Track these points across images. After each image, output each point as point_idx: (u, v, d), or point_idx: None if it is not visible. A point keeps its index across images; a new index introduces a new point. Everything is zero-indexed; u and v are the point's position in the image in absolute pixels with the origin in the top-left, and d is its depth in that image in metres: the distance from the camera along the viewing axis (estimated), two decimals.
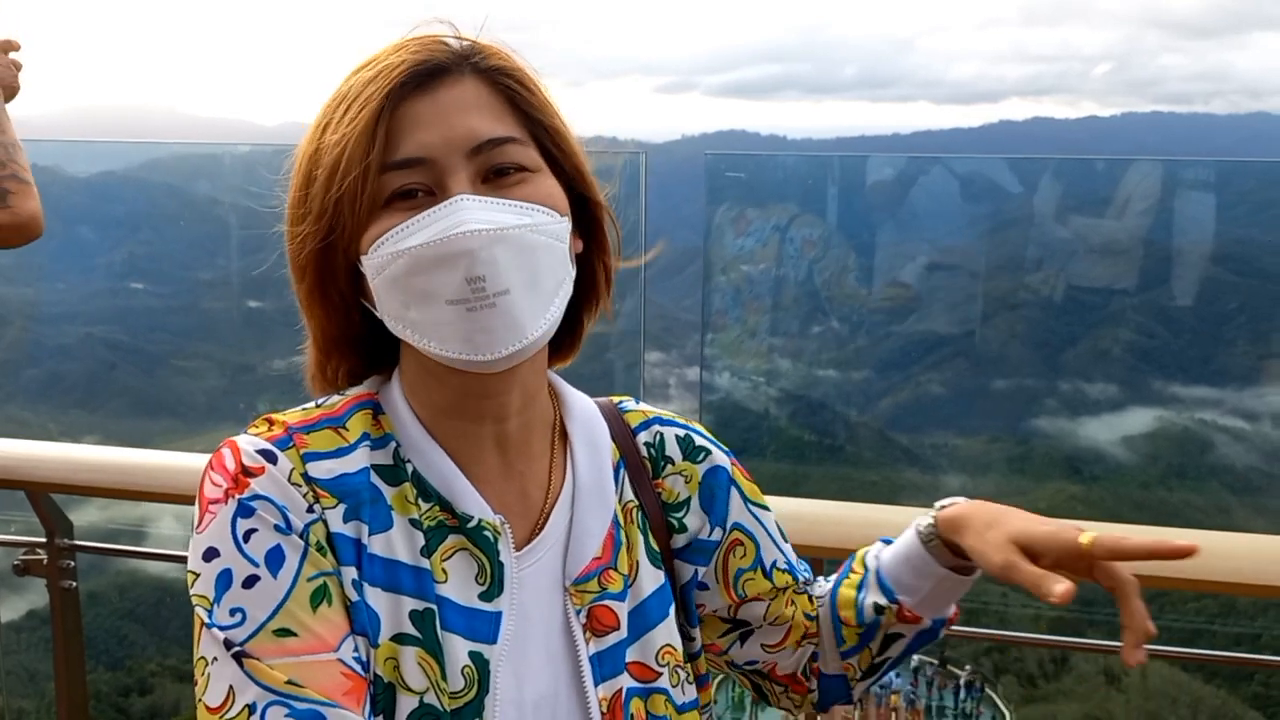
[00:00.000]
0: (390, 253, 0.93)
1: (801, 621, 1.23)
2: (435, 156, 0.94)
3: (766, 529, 1.20)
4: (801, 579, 1.24)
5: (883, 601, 1.17)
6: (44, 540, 2.50)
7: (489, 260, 0.91)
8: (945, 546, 1.14)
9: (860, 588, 1.20)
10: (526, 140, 0.99)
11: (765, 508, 1.21)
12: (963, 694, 16.06)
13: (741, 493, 1.18)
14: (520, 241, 0.93)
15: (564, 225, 0.99)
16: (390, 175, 0.94)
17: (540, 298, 0.95)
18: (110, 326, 28.77)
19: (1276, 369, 30.01)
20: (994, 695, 16.31)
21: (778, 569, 1.21)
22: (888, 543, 1.21)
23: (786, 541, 1.24)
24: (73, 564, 2.51)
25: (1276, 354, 30.06)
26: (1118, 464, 30.42)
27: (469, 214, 0.92)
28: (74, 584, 2.52)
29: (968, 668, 16.38)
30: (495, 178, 0.96)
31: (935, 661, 16.14)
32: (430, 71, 0.96)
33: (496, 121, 0.97)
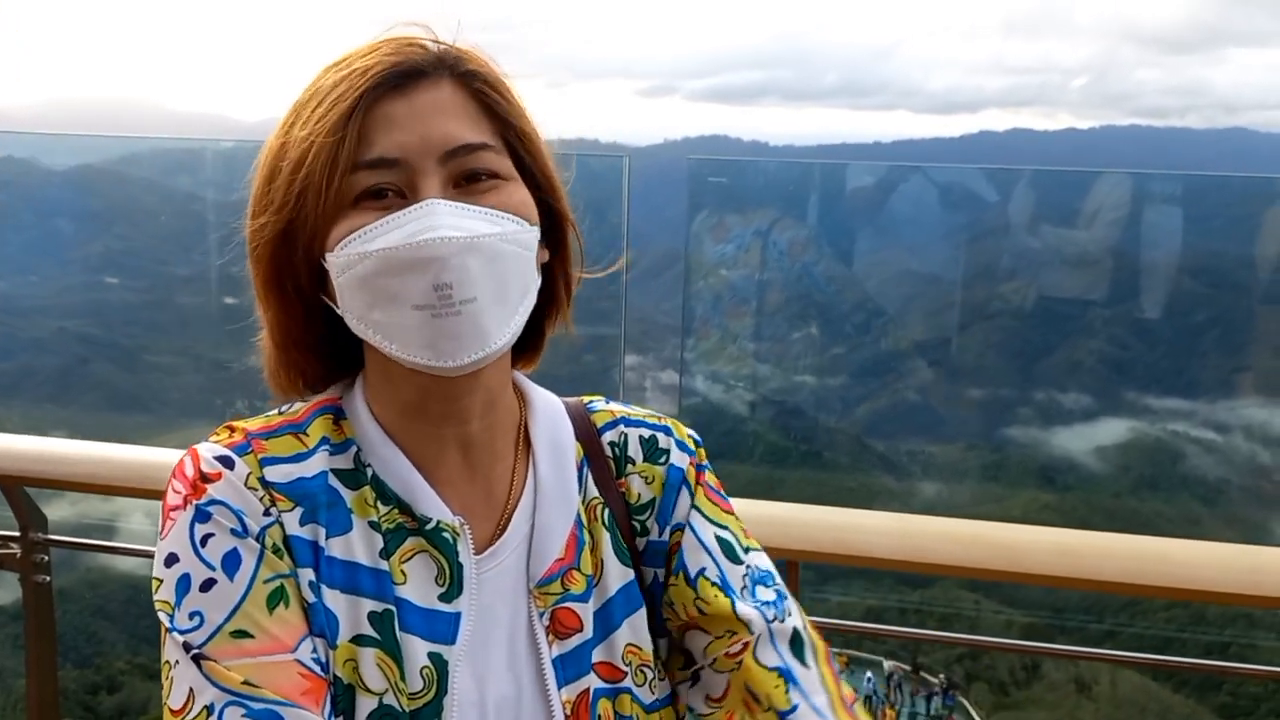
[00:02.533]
0: (357, 253, 0.93)
1: (742, 691, 1.08)
2: (408, 158, 0.94)
3: (698, 534, 1.11)
4: (743, 614, 1.08)
5: None
6: (17, 534, 2.48)
7: (459, 268, 0.91)
8: None
9: None
10: (500, 147, 0.99)
11: (712, 521, 1.13)
12: (936, 700, 16.11)
13: (691, 496, 1.13)
14: (490, 250, 0.93)
15: (533, 234, 0.99)
16: (361, 174, 0.93)
17: (506, 306, 0.96)
18: (84, 321, 28.54)
19: (1248, 381, 30.33)
20: (965, 702, 16.38)
21: (705, 578, 1.09)
22: None
23: (737, 563, 1.12)
24: (46, 559, 2.49)
25: (1248, 367, 30.37)
26: (1090, 474, 30.65)
27: (441, 219, 0.92)
28: (47, 579, 2.50)
29: (941, 675, 16.45)
30: (467, 184, 0.96)
31: (907, 667, 16.19)
32: (406, 73, 0.96)
33: (472, 127, 0.97)
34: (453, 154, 0.95)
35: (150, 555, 2.75)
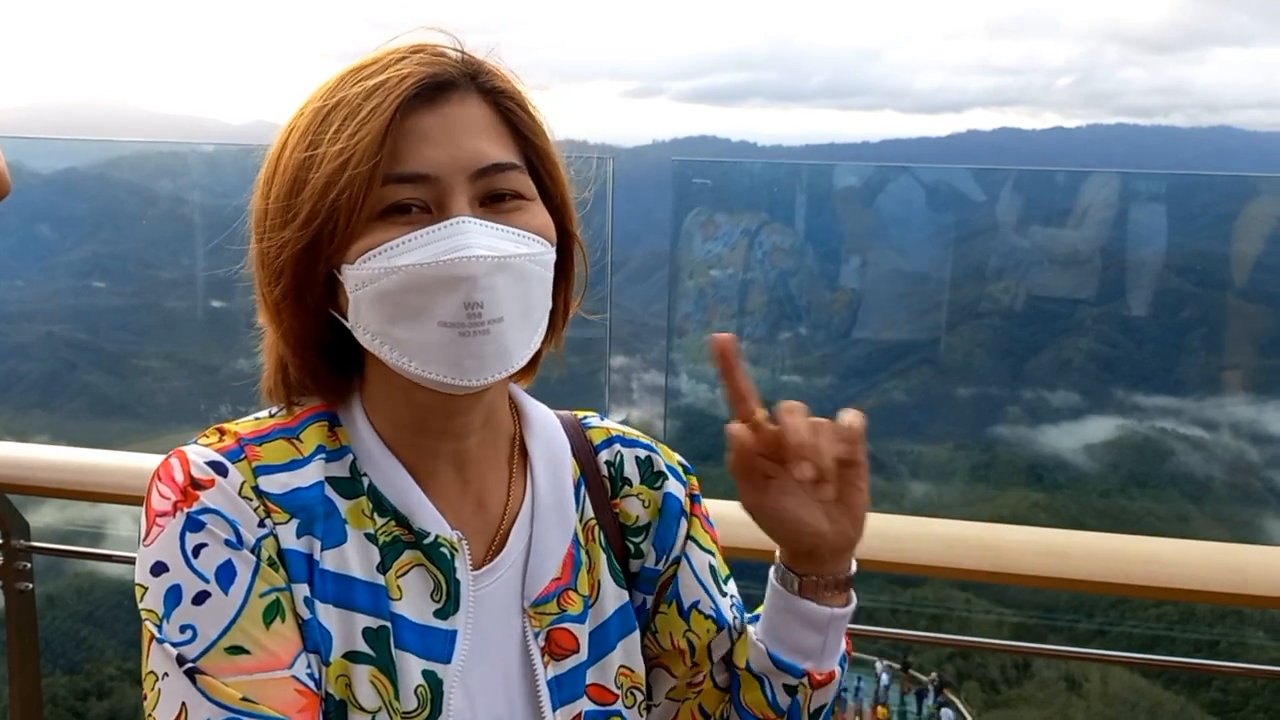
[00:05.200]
0: (383, 267, 0.91)
1: (693, 713, 1.13)
2: (440, 174, 0.93)
3: (693, 566, 1.13)
4: (714, 652, 1.12)
5: (791, 680, 1.08)
6: None
7: (489, 287, 0.91)
8: (797, 576, 1.07)
9: (761, 684, 1.09)
10: (524, 168, 0.99)
11: (705, 550, 1.15)
12: (927, 699, 16.14)
13: (688, 526, 1.15)
14: (519, 271, 0.93)
15: (552, 255, 0.99)
16: (391, 188, 0.92)
17: (528, 327, 0.96)
18: (71, 325, 28.39)
19: (1236, 379, 30.43)
20: (956, 701, 16.41)
21: (699, 611, 1.12)
22: (754, 620, 1.12)
23: (724, 595, 1.15)
24: (29, 565, 2.47)
25: (1236, 364, 30.47)
26: (1080, 472, 30.73)
27: (473, 238, 0.91)
28: (30, 586, 2.48)
29: (933, 674, 16.48)
30: (493, 202, 0.96)
31: (898, 666, 16.22)
32: (438, 86, 0.95)
33: (500, 146, 0.97)
34: (483, 173, 0.95)
35: (134, 561, 2.73)
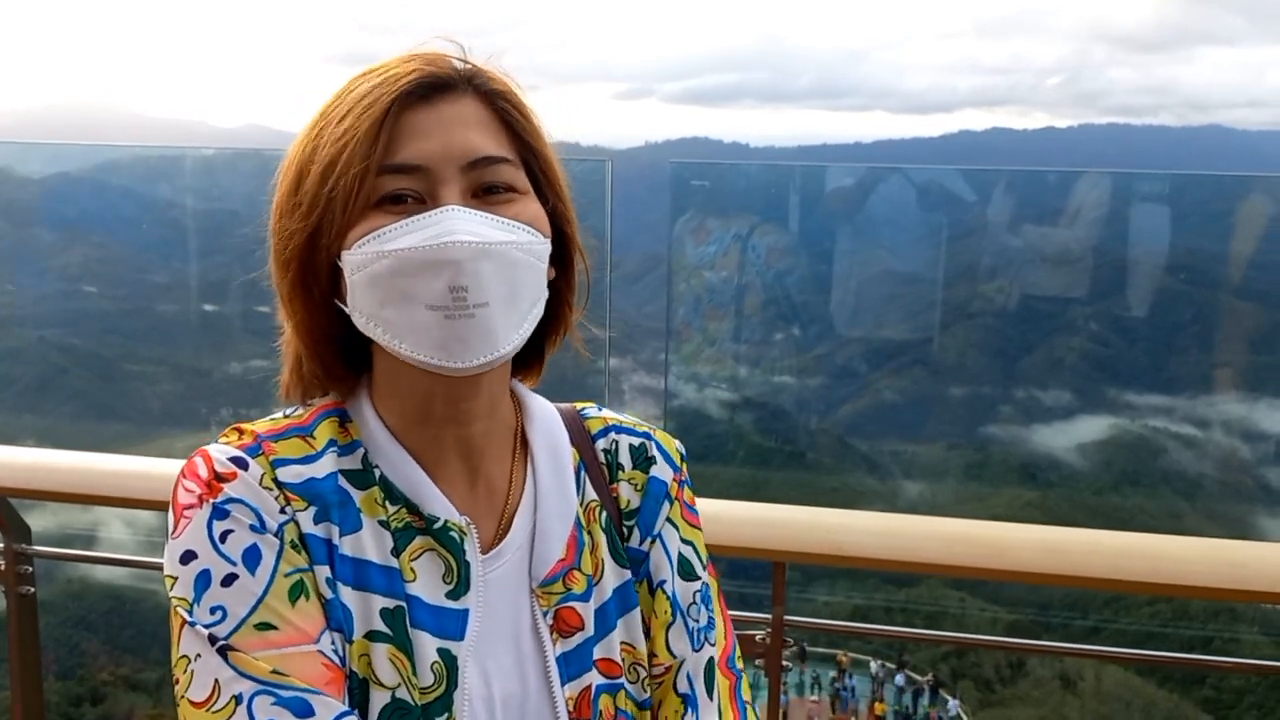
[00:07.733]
0: (375, 251, 0.95)
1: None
2: (431, 165, 0.97)
3: (665, 546, 1.16)
4: (672, 645, 1.13)
5: None
6: (0, 546, 2.46)
7: (474, 272, 0.94)
8: None
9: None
10: (517, 163, 1.02)
11: (681, 536, 1.17)
12: (923, 698, 16.19)
13: (670, 508, 1.17)
14: (505, 257, 0.96)
15: (545, 246, 1.01)
16: (385, 178, 0.96)
17: (516, 313, 0.98)
18: (62, 330, 28.37)
19: (1228, 377, 30.56)
20: (952, 699, 16.44)
21: (663, 591, 1.14)
22: None
23: (691, 580, 1.16)
24: (30, 570, 2.47)
25: (1227, 362, 30.61)
26: (1072, 470, 30.85)
27: (459, 224, 0.94)
28: (32, 590, 2.48)
29: (930, 674, 16.53)
30: (485, 194, 0.99)
31: (894, 665, 16.27)
32: (435, 84, 0.99)
33: (492, 141, 1.00)
34: (473, 165, 0.98)
35: (134, 565, 2.72)
